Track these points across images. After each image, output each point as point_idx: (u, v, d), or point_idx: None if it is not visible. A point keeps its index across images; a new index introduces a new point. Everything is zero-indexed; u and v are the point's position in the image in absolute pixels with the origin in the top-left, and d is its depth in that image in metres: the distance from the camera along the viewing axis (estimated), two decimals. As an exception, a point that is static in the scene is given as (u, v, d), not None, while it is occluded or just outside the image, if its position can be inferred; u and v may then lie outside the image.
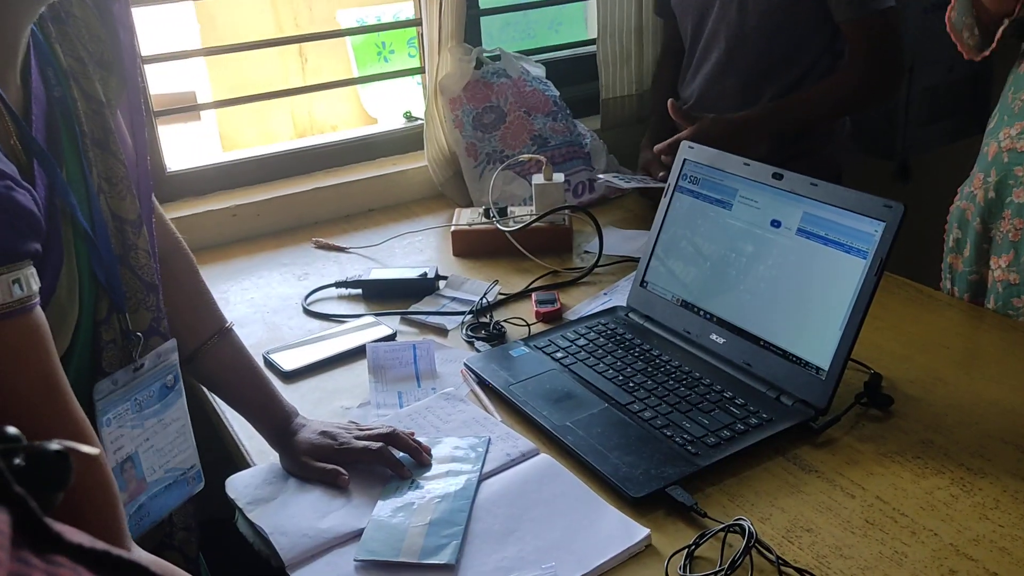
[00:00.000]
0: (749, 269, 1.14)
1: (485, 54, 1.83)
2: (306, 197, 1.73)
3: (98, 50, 0.87)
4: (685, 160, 1.25)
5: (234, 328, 1.05)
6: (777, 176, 1.12)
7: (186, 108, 1.96)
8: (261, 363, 1.21)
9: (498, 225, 1.51)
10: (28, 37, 0.78)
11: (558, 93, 1.84)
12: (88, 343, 0.81)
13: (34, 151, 0.75)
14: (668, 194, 1.26)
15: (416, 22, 1.82)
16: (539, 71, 1.86)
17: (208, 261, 1.59)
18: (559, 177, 1.56)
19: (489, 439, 1.02)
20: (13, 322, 0.62)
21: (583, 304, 1.37)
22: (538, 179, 1.54)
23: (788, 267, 1.10)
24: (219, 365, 1.01)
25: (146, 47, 1.61)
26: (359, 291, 1.43)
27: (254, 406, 1.02)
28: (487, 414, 1.08)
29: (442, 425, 1.06)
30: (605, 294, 1.39)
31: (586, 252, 1.54)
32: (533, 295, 1.37)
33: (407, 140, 1.86)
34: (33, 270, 0.65)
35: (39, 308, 0.66)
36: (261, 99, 1.83)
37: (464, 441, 1.02)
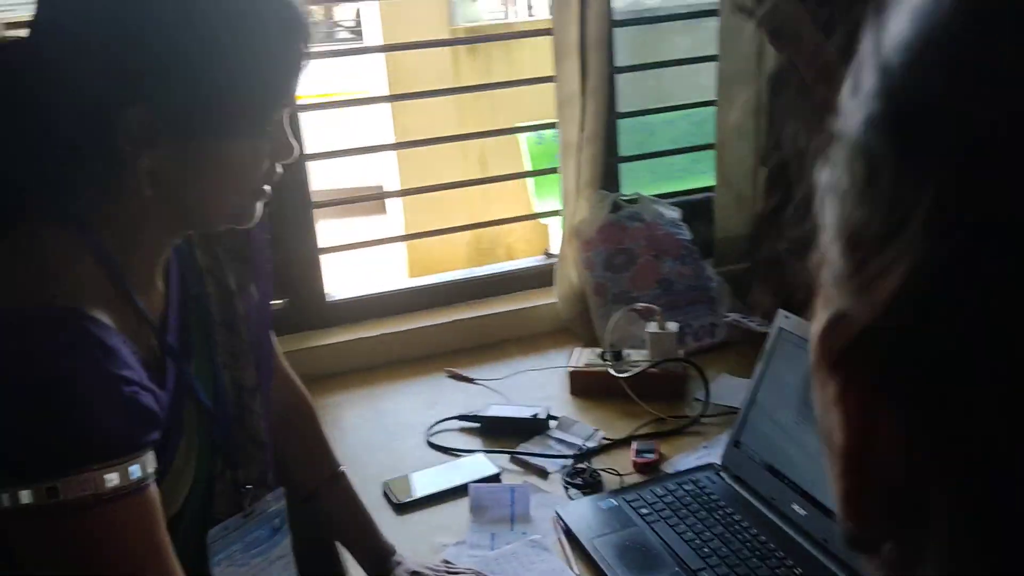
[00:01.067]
0: (831, 444, 1.17)
1: (622, 198, 1.95)
2: (445, 328, 1.90)
3: (235, 245, 1.04)
4: (780, 328, 1.31)
5: (346, 472, 1.20)
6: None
7: (344, 200, 2.19)
8: (379, 492, 1.36)
9: (610, 370, 1.61)
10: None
11: (691, 236, 1.93)
12: (201, 495, 0.97)
13: (167, 351, 0.92)
14: (766, 355, 1.32)
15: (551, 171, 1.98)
16: (674, 214, 1.96)
17: (352, 386, 1.77)
18: (673, 326, 1.64)
19: (562, 593, 1.11)
20: (127, 501, 0.78)
21: (682, 456, 1.43)
22: (652, 327, 1.63)
23: (866, 448, 1.12)
24: (330, 507, 1.16)
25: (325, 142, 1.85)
26: (477, 425, 1.56)
27: (357, 544, 1.16)
28: (566, 567, 1.17)
29: (523, 573, 1.16)
30: (705, 447, 1.45)
31: (696, 400, 1.60)
32: (633, 444, 1.45)
33: (542, 276, 2.00)
34: (151, 455, 0.81)
35: (153, 486, 0.81)
36: (427, 190, 2.04)
37: (540, 592, 1.11)
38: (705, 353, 1.74)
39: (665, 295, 1.82)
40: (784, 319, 1.30)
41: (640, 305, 1.67)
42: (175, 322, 0.96)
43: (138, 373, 0.81)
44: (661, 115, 2.12)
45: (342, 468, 1.21)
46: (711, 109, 1.95)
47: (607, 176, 1.94)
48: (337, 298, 1.93)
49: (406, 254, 4.80)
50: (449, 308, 1.96)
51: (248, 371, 1.03)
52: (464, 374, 1.78)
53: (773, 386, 1.29)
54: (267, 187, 0.92)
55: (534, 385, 1.73)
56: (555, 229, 2.28)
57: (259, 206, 0.93)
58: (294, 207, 1.82)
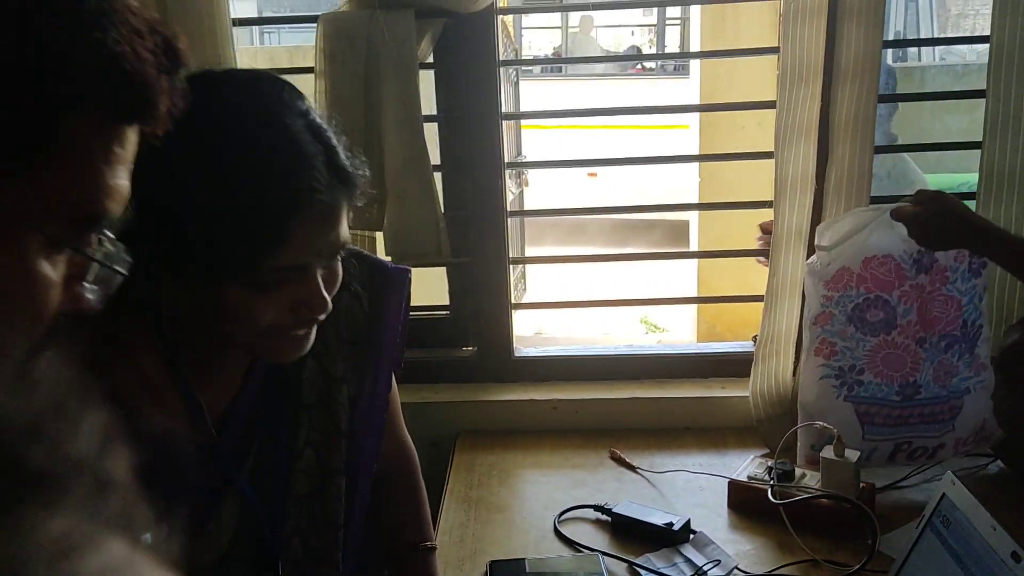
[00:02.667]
0: (967, 658, 0.94)
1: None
2: (623, 404, 1.81)
3: (351, 331, 1.06)
4: (944, 495, 1.07)
5: (433, 549, 1.18)
6: (1016, 557, 0.91)
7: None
8: (486, 570, 1.33)
9: (769, 491, 1.43)
10: None
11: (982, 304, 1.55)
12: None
13: (214, 452, 0.96)
14: (920, 525, 1.09)
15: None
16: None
17: (517, 446, 1.75)
18: (853, 454, 1.42)
19: None
20: None
21: (817, 612, 1.23)
22: (827, 452, 1.43)
23: (1002, 678, 0.88)
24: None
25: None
26: (609, 519, 1.47)
27: None
28: None
29: None
30: (852, 608, 1.23)
31: (870, 545, 1.37)
32: (768, 584, 1.28)
33: (739, 364, 1.83)
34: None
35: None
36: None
37: None
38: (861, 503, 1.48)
39: (905, 399, 1.55)
40: (950, 485, 1.07)
41: (819, 424, 1.47)
42: (242, 418, 0.99)
43: None
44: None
45: (432, 544, 1.20)
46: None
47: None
48: (524, 354, 1.92)
49: (695, 316, 4.70)
50: (633, 383, 1.87)
51: (336, 455, 1.04)
52: (627, 459, 1.68)
53: (918, 565, 1.07)
54: (300, 330, 0.91)
55: (694, 487, 1.59)
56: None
57: (301, 339, 0.92)
58: (491, 260, 1.85)
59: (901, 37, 6.83)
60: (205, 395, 0.96)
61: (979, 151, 1.63)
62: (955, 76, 4.89)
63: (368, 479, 1.11)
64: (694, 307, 4.83)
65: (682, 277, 5.66)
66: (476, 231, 1.84)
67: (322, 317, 0.91)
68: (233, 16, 1.67)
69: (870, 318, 1.57)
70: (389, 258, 1.79)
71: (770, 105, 1.64)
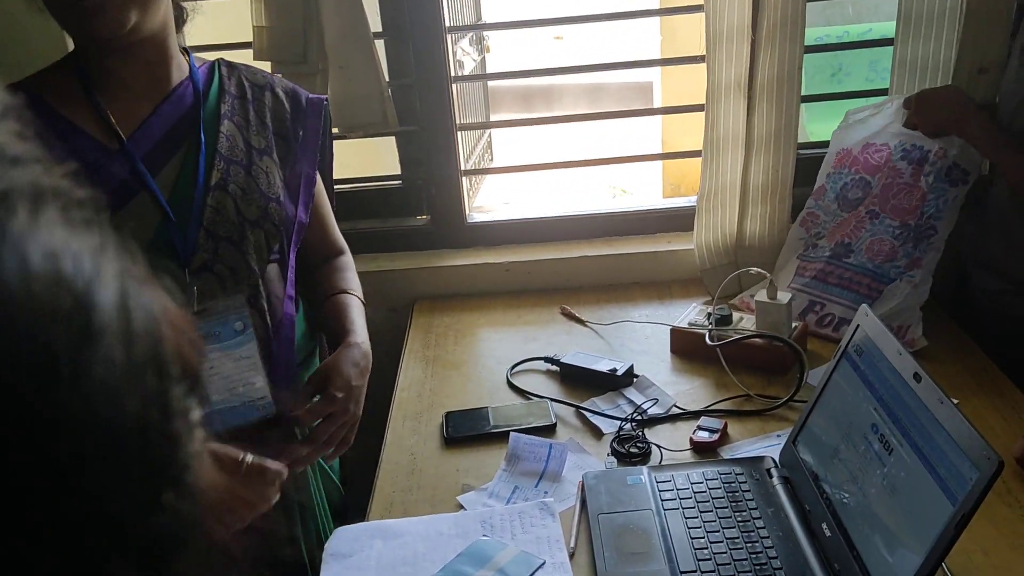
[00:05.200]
0: (870, 466, 1.03)
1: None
2: (574, 263, 1.87)
3: (276, 124, 1.31)
4: (858, 326, 1.15)
5: (356, 298, 1.37)
6: (916, 377, 0.99)
7: (484, 125, 2.20)
8: (442, 421, 1.42)
9: (706, 335, 1.51)
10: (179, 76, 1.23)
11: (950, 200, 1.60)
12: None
13: (127, 154, 1.17)
14: (837, 355, 1.17)
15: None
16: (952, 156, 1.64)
17: (472, 308, 1.82)
18: (784, 296, 1.50)
19: (543, 563, 1.10)
20: None
21: (747, 442, 1.33)
22: (761, 296, 1.50)
23: (897, 481, 0.98)
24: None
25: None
26: (558, 369, 1.55)
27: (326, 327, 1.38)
28: (561, 536, 1.15)
29: (520, 534, 1.16)
30: (779, 436, 1.33)
31: (798, 378, 1.46)
32: (701, 418, 1.37)
33: (686, 219, 1.88)
34: None
35: None
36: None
37: (522, 557, 1.11)
38: (791, 340, 1.57)
39: (834, 256, 1.65)
40: (864, 316, 1.14)
41: (754, 270, 1.54)
42: (156, 132, 1.20)
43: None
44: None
45: (356, 295, 1.38)
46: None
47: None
48: (477, 220, 1.96)
49: (662, 171, 4.73)
50: (584, 242, 1.92)
51: (254, 210, 1.24)
52: (577, 314, 1.75)
53: (834, 394, 1.15)
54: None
55: (639, 336, 1.67)
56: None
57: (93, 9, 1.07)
58: (438, 128, 1.86)
59: None
60: (115, 108, 1.18)
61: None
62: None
63: (294, 243, 1.30)
64: (660, 170, 4.86)
65: (647, 139, 5.67)
66: (422, 99, 1.84)
67: None
68: None
69: (851, 196, 1.67)
70: (336, 130, 1.80)
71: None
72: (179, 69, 1.25)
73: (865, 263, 1.62)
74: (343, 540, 1.17)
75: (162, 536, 0.30)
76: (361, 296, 1.39)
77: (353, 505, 1.42)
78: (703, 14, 1.65)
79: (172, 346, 0.32)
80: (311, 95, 1.39)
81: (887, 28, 1.94)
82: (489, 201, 5.03)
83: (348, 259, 1.46)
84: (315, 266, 1.41)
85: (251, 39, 1.72)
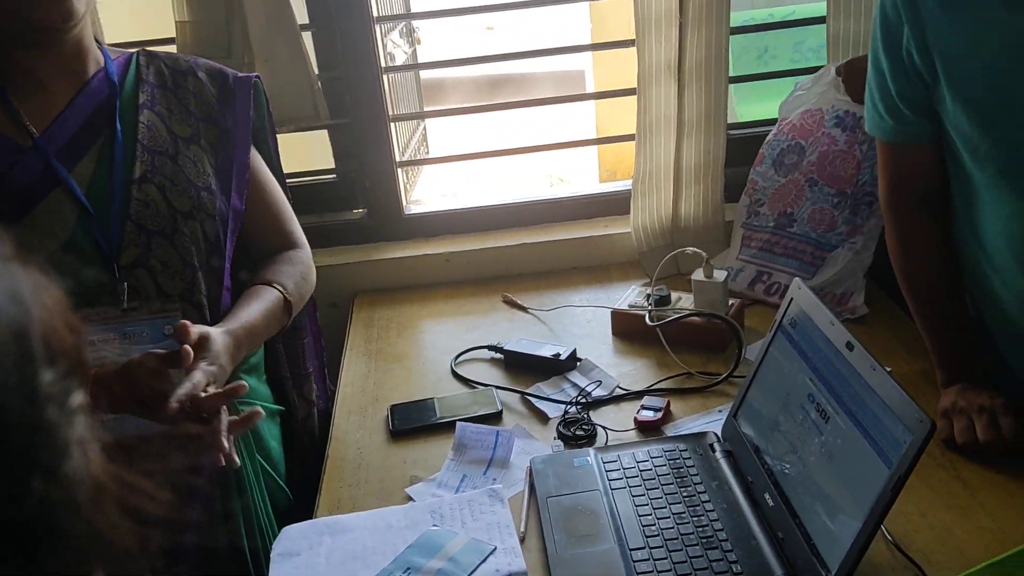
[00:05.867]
0: (808, 435, 1.06)
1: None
2: (513, 251, 1.87)
3: (202, 109, 1.26)
4: (792, 299, 1.17)
5: (275, 289, 1.28)
6: (849, 346, 1.02)
7: (417, 115, 2.19)
8: (387, 414, 1.41)
9: (646, 316, 1.52)
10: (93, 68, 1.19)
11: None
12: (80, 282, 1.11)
13: (40, 150, 1.14)
14: (772, 329, 1.20)
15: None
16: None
17: (414, 300, 1.81)
18: (720, 274, 1.52)
19: (494, 549, 1.10)
20: None
21: (690, 419, 1.35)
22: (698, 275, 1.52)
23: (835, 448, 1.00)
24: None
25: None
26: (502, 357, 1.55)
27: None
28: (512, 521, 1.15)
29: (470, 522, 1.16)
30: (720, 411, 1.35)
31: (737, 354, 1.48)
32: (644, 398, 1.38)
33: (623, 202, 1.89)
34: None
35: None
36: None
37: (473, 545, 1.11)
38: (728, 317, 1.59)
39: (780, 235, 1.67)
40: (797, 289, 1.17)
41: (690, 250, 1.56)
42: (71, 126, 1.17)
43: None
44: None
45: (278, 287, 1.29)
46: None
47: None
48: (414, 212, 1.95)
49: (598, 158, 4.76)
50: (523, 230, 1.92)
51: (185, 200, 1.20)
52: (519, 301, 1.76)
53: (771, 367, 1.17)
54: None
55: (581, 320, 1.68)
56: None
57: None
58: (370, 120, 1.84)
59: None
60: (29, 105, 1.15)
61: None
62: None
63: (231, 233, 1.26)
64: (596, 157, 4.89)
65: (582, 128, 5.69)
66: (353, 91, 1.82)
67: None
68: None
69: (786, 161, 1.70)
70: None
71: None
72: (95, 62, 1.21)
73: (808, 232, 1.66)
74: (291, 539, 1.15)
75: (30, 525, 0.29)
76: (286, 287, 1.29)
77: (300, 507, 1.41)
78: (631, -1, 1.66)
79: (42, 329, 0.30)
80: (239, 74, 1.34)
81: (811, 9, 1.98)
82: (428, 194, 5.01)
83: (298, 253, 1.38)
84: (263, 259, 1.35)
85: (174, 35, 1.68)
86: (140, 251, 1.17)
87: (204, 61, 1.34)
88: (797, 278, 1.19)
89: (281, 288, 1.29)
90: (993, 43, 1.11)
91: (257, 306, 1.23)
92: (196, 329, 1.08)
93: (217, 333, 1.12)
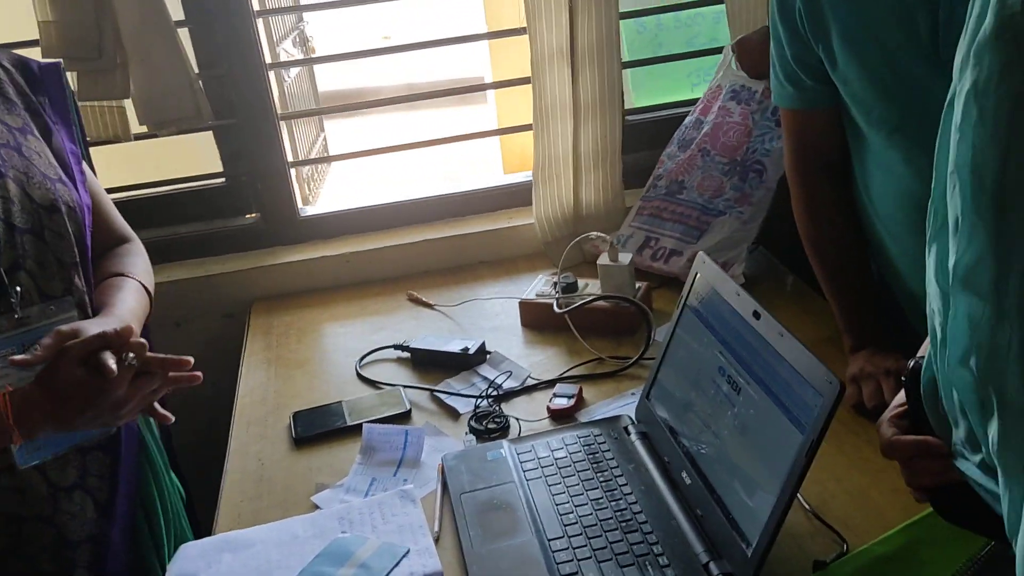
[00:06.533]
0: (721, 410, 1.04)
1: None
2: (416, 247, 1.82)
3: (18, 95, 1.15)
4: (697, 274, 1.16)
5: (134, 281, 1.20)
6: (756, 315, 1.01)
7: (311, 112, 2.12)
8: (290, 422, 1.34)
9: (554, 304, 1.50)
10: None
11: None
12: None
13: None
14: (680, 305, 1.18)
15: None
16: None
17: (314, 304, 1.74)
18: (626, 258, 1.50)
19: (408, 551, 1.05)
20: None
21: (603, 403, 1.32)
22: (603, 259, 1.50)
23: (748, 420, 0.99)
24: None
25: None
26: (409, 356, 1.50)
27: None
28: (425, 522, 1.10)
29: (381, 526, 1.10)
30: (633, 394, 1.33)
31: (647, 336, 1.47)
32: (556, 386, 1.35)
33: (525, 194, 1.86)
34: None
35: None
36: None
37: (385, 548, 1.05)
38: (637, 300, 1.57)
39: (668, 194, 1.69)
40: (702, 264, 1.15)
41: (594, 235, 1.53)
42: None
43: None
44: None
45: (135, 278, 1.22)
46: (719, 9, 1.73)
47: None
48: (310, 213, 1.88)
49: (500, 150, 4.74)
50: (425, 226, 1.87)
51: (44, 193, 1.09)
52: (424, 298, 1.71)
53: (681, 345, 1.16)
54: None
55: (489, 313, 1.64)
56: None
57: None
58: (258, 119, 1.76)
59: None
60: None
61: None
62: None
63: (87, 227, 1.16)
64: (499, 154, 4.87)
65: (483, 115, 5.68)
66: (237, 89, 1.74)
67: None
68: None
69: (687, 137, 1.71)
70: (145, 127, 1.68)
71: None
72: None
73: (696, 198, 1.67)
74: (188, 559, 1.07)
75: None
76: (143, 281, 1.22)
77: (198, 525, 1.33)
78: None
79: None
80: (42, 61, 1.24)
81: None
82: (326, 202, 4.92)
83: (135, 245, 1.30)
84: (98, 256, 1.23)
85: (37, 35, 1.57)
86: (15, 253, 1.06)
87: (3, 51, 1.23)
88: (700, 251, 1.18)
89: (138, 280, 1.21)
90: (882, 11, 1.11)
91: (126, 296, 1.16)
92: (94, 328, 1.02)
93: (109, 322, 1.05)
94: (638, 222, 1.70)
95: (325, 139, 4.88)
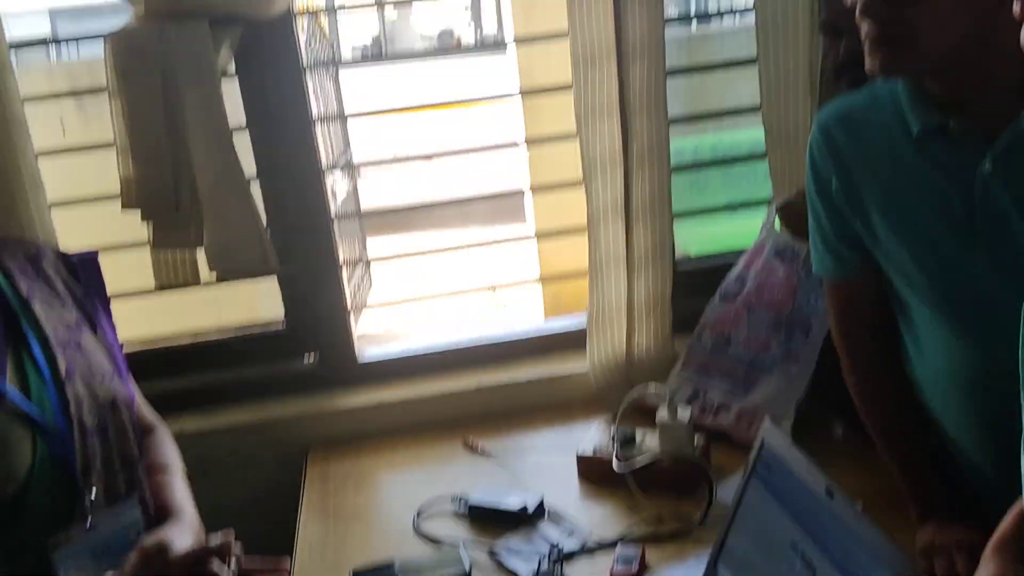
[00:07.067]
0: (795, 590, 1.02)
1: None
2: (471, 394, 1.84)
3: (70, 295, 1.19)
4: (764, 440, 1.16)
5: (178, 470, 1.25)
6: (829, 493, 1.00)
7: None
8: (349, 578, 1.33)
9: (613, 461, 1.49)
10: None
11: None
12: (44, 495, 1.01)
13: None
14: (746, 472, 1.17)
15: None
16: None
17: (370, 450, 1.75)
18: (685, 414, 1.51)
19: None
20: None
21: (667, 568, 1.31)
22: (662, 414, 1.50)
23: (826, 603, 0.97)
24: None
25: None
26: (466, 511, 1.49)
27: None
28: None
29: None
30: (698, 559, 1.31)
31: (708, 498, 1.45)
32: (619, 548, 1.34)
33: (578, 338, 1.88)
34: None
35: None
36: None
37: None
38: (700, 461, 1.56)
39: (734, 364, 1.69)
40: (769, 431, 1.16)
41: (653, 386, 1.55)
42: None
43: None
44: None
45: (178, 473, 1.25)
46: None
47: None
48: (368, 358, 1.91)
49: (541, 289, 4.77)
50: (478, 371, 1.90)
51: (103, 388, 1.12)
52: (481, 445, 1.71)
53: (749, 512, 1.15)
54: None
55: (547, 464, 1.63)
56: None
57: None
58: (321, 268, 1.82)
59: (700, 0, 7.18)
60: None
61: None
62: (750, 38, 4.95)
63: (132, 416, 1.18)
64: (539, 290, 4.93)
65: (524, 249, 5.75)
66: (302, 238, 1.81)
67: None
68: (11, 40, 1.56)
69: (731, 290, 1.74)
70: (215, 274, 1.74)
71: (568, 88, 1.69)
72: None
73: (742, 354, 1.68)
74: None
75: None
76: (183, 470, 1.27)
77: None
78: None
79: None
80: (77, 254, 1.29)
81: (748, 137, 2.04)
82: (371, 328, 4.97)
83: (165, 434, 1.33)
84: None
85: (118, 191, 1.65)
86: (87, 455, 1.07)
87: (39, 244, 1.28)
88: (767, 417, 1.18)
89: (182, 475, 1.27)
90: (917, 192, 1.15)
91: (184, 496, 1.20)
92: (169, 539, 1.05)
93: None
94: (686, 373, 1.73)
95: (368, 265, 4.98)
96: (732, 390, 1.65)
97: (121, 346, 1.26)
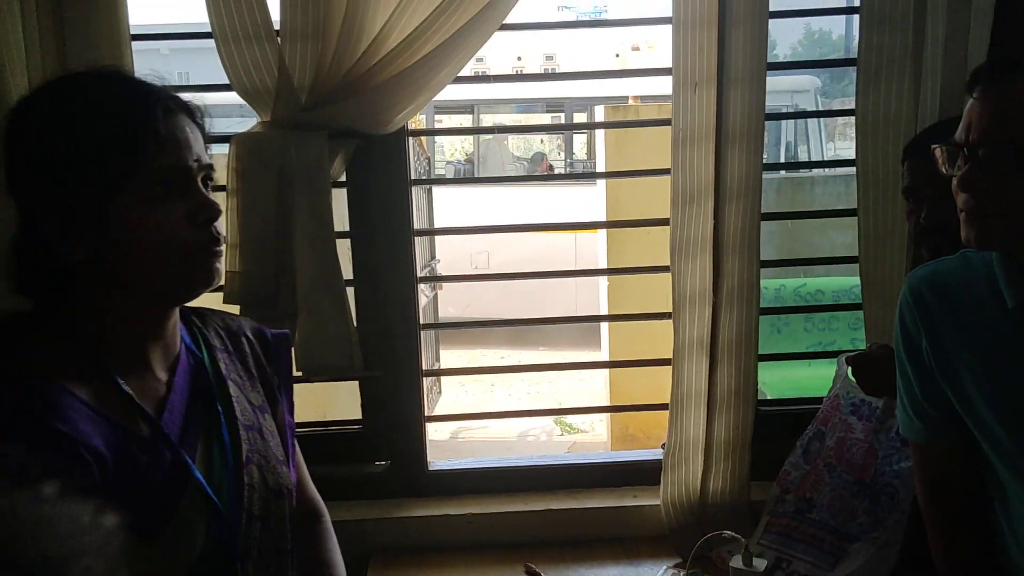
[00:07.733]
0: None
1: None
2: (537, 516, 1.81)
3: (257, 368, 1.19)
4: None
5: None
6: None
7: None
8: None
9: (683, 607, 1.44)
10: (179, 340, 1.09)
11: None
12: None
13: (158, 435, 0.99)
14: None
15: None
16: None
17: (433, 565, 1.72)
18: (760, 564, 1.45)
19: None
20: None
21: None
22: (736, 562, 1.45)
23: None
24: None
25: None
26: (525, 643, 1.45)
27: None
28: None
29: None
30: None
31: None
32: None
33: (650, 471, 1.85)
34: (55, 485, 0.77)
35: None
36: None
37: None
38: None
39: (798, 512, 1.62)
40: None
41: (727, 533, 1.50)
42: (179, 412, 1.03)
43: (77, 429, 0.89)
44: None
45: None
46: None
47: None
48: (438, 468, 1.91)
49: (609, 416, 4.73)
50: (547, 495, 1.87)
51: (274, 477, 1.10)
52: (543, 574, 1.67)
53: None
54: (211, 247, 1.02)
55: (610, 602, 1.59)
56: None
57: (209, 258, 1.02)
58: (403, 374, 1.85)
59: (791, 146, 7.26)
60: (134, 386, 1.01)
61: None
62: (845, 184, 4.90)
63: (291, 504, 1.16)
64: (606, 418, 4.89)
65: (594, 374, 5.74)
66: (389, 344, 1.85)
67: (220, 227, 1.01)
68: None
69: (812, 449, 1.69)
70: (300, 373, 1.78)
71: (665, 222, 1.72)
72: (175, 331, 1.10)
73: (827, 519, 1.60)
74: None
75: None
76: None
77: None
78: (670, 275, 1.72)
79: None
80: (274, 331, 1.28)
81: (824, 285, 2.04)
82: (435, 435, 4.98)
83: (328, 524, 1.31)
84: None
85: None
86: (248, 544, 1.05)
87: (240, 318, 1.27)
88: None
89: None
90: (1008, 363, 1.12)
91: None
92: None
93: None
94: (767, 540, 1.64)
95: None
96: (818, 562, 1.56)
97: (294, 428, 1.25)
